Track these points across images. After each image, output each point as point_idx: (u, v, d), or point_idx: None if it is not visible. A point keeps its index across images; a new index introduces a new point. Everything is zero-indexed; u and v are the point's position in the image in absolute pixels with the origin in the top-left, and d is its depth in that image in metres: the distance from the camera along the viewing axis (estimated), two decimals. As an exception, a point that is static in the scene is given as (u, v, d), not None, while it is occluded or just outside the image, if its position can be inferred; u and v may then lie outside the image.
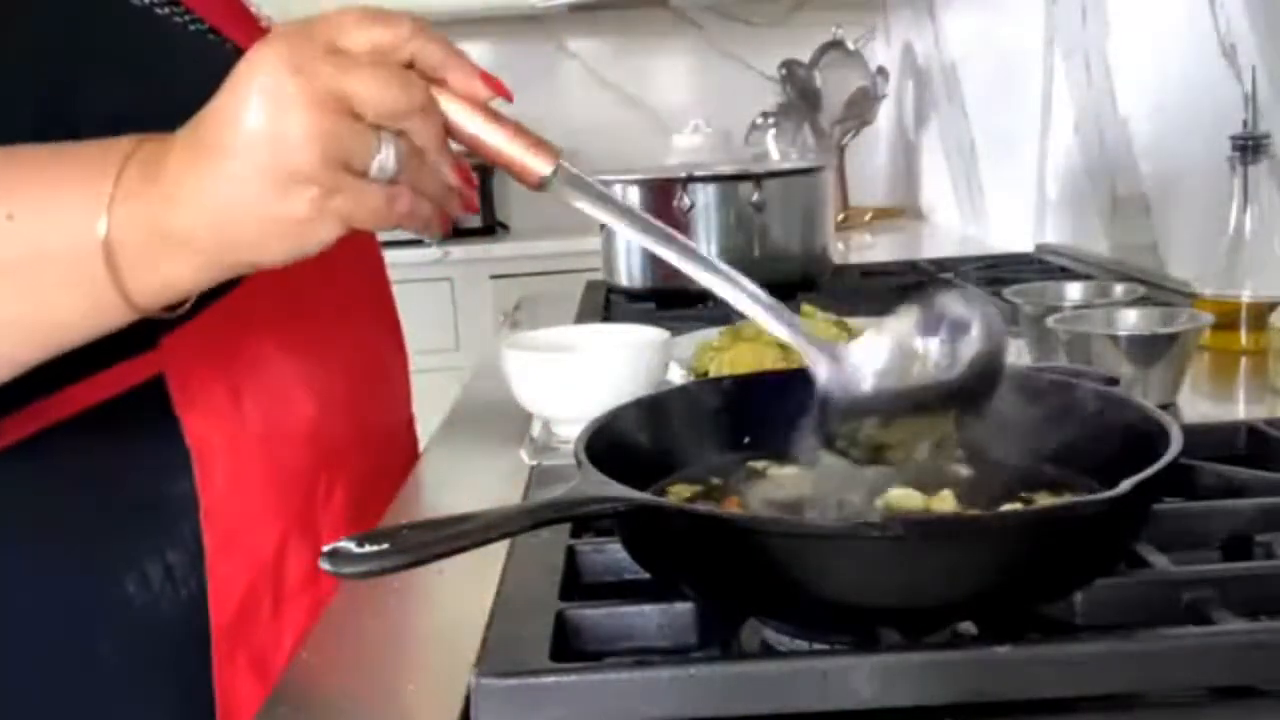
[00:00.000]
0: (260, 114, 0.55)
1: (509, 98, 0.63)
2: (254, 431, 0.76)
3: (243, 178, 0.55)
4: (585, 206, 0.63)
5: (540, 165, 0.61)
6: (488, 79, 0.62)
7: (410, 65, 0.59)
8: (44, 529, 0.73)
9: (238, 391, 0.76)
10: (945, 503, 0.62)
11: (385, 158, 0.57)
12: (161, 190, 0.57)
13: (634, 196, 1.59)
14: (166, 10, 0.78)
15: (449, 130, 0.61)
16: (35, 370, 0.64)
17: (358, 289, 0.90)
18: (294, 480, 0.79)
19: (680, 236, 0.65)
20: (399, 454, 0.95)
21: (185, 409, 0.74)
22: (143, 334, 0.69)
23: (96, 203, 0.57)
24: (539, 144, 0.62)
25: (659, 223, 0.65)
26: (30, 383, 0.66)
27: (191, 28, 0.79)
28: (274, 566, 0.77)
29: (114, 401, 0.71)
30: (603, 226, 1.62)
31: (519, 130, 0.62)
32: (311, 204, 0.56)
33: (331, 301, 0.84)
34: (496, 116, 0.61)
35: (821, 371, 0.64)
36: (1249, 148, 1.14)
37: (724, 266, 0.64)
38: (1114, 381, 0.72)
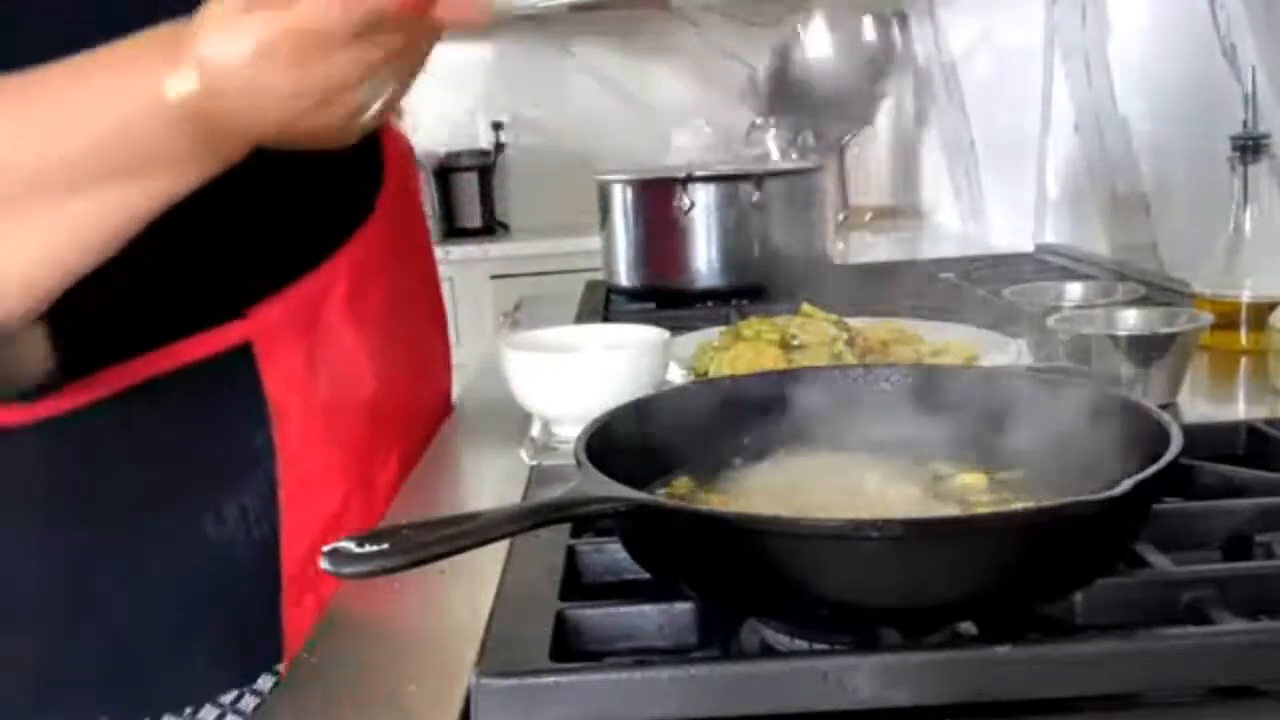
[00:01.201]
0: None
1: None
2: (325, 398, 0.85)
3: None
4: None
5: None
6: None
7: None
8: (134, 472, 0.81)
9: (313, 363, 0.84)
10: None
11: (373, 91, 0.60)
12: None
13: (634, 197, 1.59)
14: None
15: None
16: (132, 331, 0.75)
17: (414, 284, 1.00)
18: (357, 445, 0.87)
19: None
20: (439, 427, 1.04)
21: (268, 373, 0.82)
22: (232, 305, 0.80)
23: (161, 80, 0.60)
24: None
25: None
26: (127, 341, 0.76)
27: None
28: (337, 521, 0.85)
29: (204, 363, 0.80)
30: (603, 224, 1.62)
31: None
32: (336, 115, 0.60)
33: (393, 285, 0.93)
34: None
35: None
36: (1249, 148, 1.14)
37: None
38: (1114, 381, 0.72)
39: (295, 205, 0.84)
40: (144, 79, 0.60)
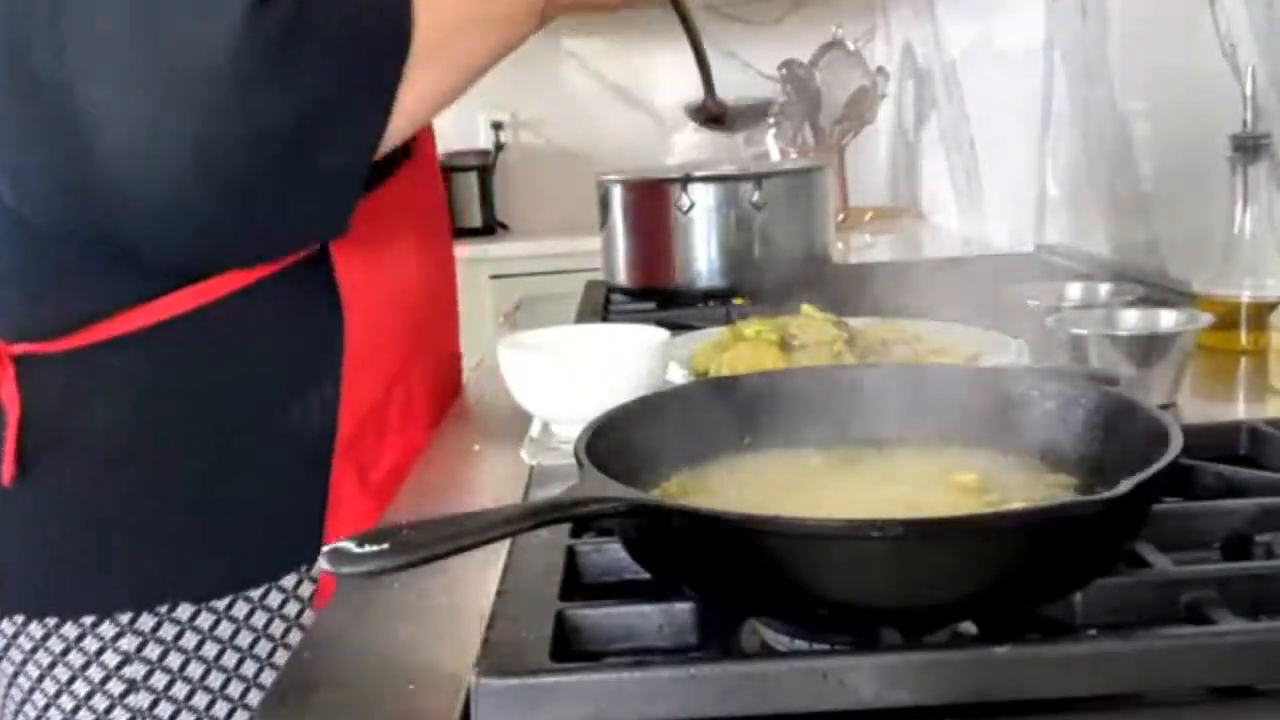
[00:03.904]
0: None
1: None
2: (383, 291, 0.98)
3: None
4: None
5: None
6: None
7: None
8: (237, 367, 0.93)
9: (375, 264, 0.97)
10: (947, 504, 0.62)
11: None
12: None
13: (634, 197, 1.59)
14: None
15: None
16: None
17: (439, 223, 1.13)
18: (401, 340, 1.00)
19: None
20: (452, 376, 1.15)
21: (341, 264, 0.94)
22: None
23: None
24: None
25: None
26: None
27: None
28: (383, 401, 0.98)
29: (291, 268, 0.92)
30: (603, 224, 1.62)
31: None
32: None
33: (427, 224, 1.07)
34: None
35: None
36: (1249, 148, 1.14)
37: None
38: (1114, 381, 0.72)
39: None
40: None
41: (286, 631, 0.95)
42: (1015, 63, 2.02)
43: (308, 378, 0.95)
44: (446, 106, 0.90)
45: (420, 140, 1.05)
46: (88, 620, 0.91)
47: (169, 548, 0.92)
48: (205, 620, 0.92)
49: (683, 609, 0.56)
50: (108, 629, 0.91)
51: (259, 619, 0.94)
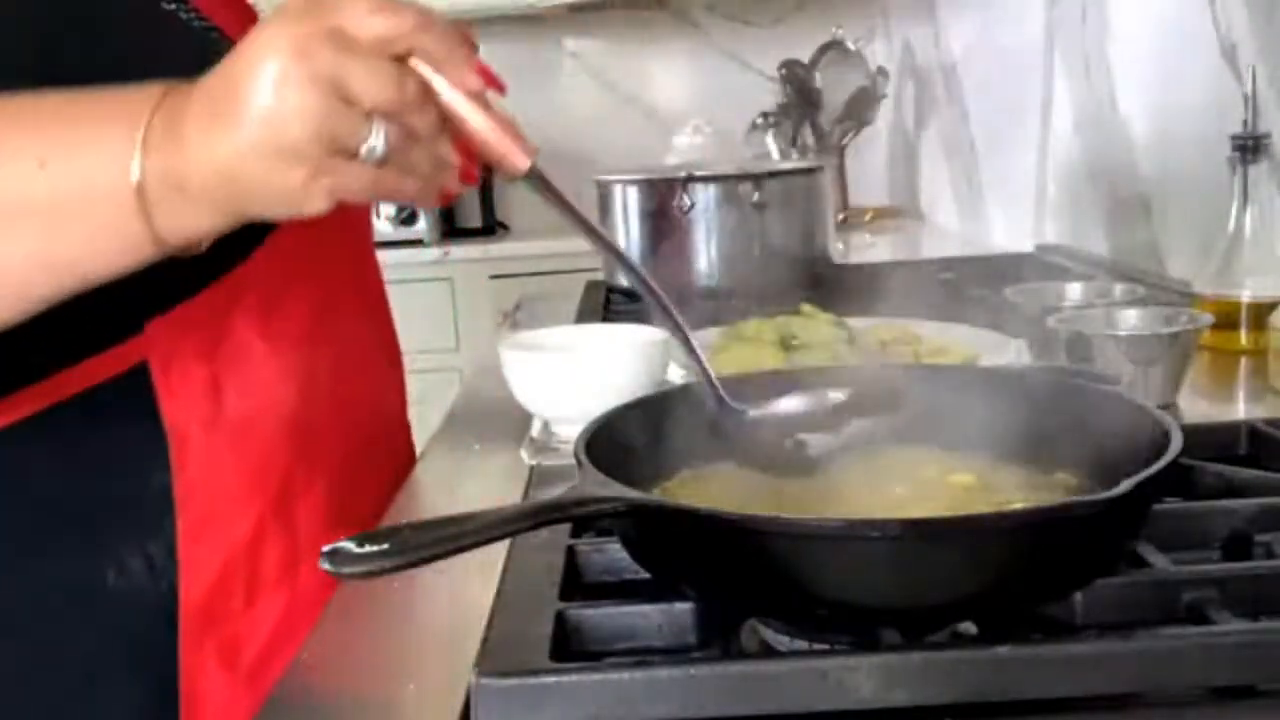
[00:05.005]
0: (263, 92, 0.56)
1: (502, 91, 0.64)
2: (232, 418, 0.76)
3: (246, 148, 0.57)
4: (552, 207, 0.68)
5: (519, 161, 0.65)
6: (484, 73, 0.63)
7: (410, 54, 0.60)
8: (24, 517, 0.73)
9: (218, 378, 0.76)
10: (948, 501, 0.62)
11: (375, 143, 0.58)
12: (180, 146, 0.58)
13: (634, 197, 1.59)
14: (173, 5, 0.77)
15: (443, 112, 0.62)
16: (19, 357, 0.66)
17: (345, 285, 0.90)
18: (271, 469, 0.78)
19: (627, 256, 0.72)
20: (388, 452, 0.95)
21: (165, 394, 0.74)
22: (128, 320, 0.71)
23: (129, 148, 0.58)
24: (521, 141, 0.64)
25: (611, 238, 0.68)
26: (14, 370, 0.68)
27: (195, 24, 0.79)
28: (248, 555, 0.76)
29: (97, 391, 0.72)
30: (603, 225, 1.62)
31: (506, 124, 0.64)
32: (303, 179, 0.58)
33: (317, 296, 0.84)
34: (488, 108, 0.63)
35: (709, 404, 0.68)
36: (1249, 148, 1.14)
37: (657, 288, 0.73)
38: (1114, 381, 0.72)
39: None
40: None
41: None
42: (1015, 63, 2.01)
43: (123, 534, 0.74)
44: None
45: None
46: None
47: None
48: None
49: (683, 609, 0.56)
50: None
51: None
